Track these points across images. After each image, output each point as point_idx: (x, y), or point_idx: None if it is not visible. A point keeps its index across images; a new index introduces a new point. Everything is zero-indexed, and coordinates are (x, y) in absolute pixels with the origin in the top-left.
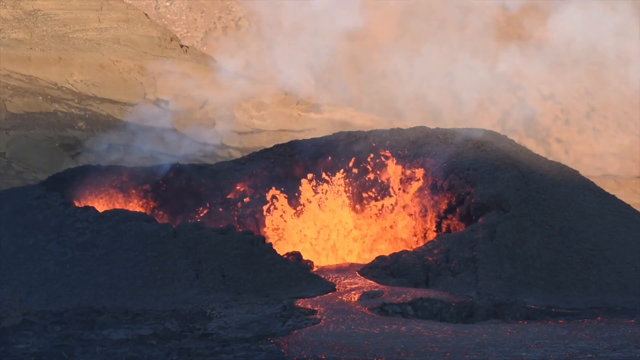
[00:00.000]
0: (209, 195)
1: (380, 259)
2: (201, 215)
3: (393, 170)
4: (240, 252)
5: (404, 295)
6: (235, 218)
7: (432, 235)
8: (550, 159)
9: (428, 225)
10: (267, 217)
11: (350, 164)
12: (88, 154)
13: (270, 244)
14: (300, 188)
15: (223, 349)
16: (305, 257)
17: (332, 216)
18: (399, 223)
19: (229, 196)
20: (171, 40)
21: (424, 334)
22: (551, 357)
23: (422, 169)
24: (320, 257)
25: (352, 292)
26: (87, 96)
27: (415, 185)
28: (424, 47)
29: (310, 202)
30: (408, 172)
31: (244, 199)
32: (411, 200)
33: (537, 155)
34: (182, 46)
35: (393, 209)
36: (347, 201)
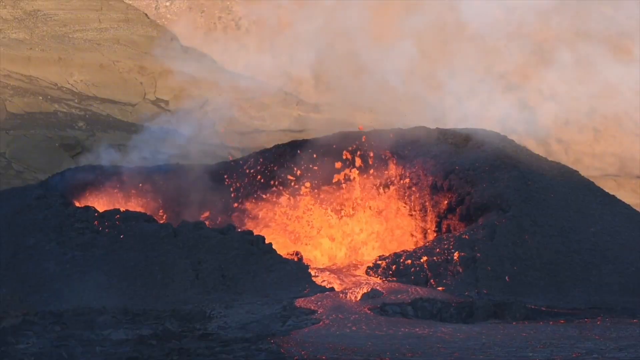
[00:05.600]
0: (209, 195)
1: (381, 259)
2: (201, 215)
3: (393, 170)
4: (240, 252)
5: (404, 295)
6: (236, 218)
7: (432, 235)
8: (550, 159)
9: (428, 225)
10: (267, 217)
11: (350, 164)
12: (88, 154)
13: (270, 244)
14: (300, 188)
15: (223, 349)
16: (305, 257)
17: (332, 216)
18: (399, 223)
19: (228, 196)
20: (171, 40)
21: (428, 334)
22: (557, 358)
23: (422, 169)
24: (320, 257)
25: (352, 292)
26: (87, 96)
27: (415, 186)
28: (424, 46)
29: (310, 201)
30: (408, 172)
31: (244, 199)
32: (411, 200)
33: (537, 155)
34: (182, 46)
35: (393, 208)
36: (347, 201)
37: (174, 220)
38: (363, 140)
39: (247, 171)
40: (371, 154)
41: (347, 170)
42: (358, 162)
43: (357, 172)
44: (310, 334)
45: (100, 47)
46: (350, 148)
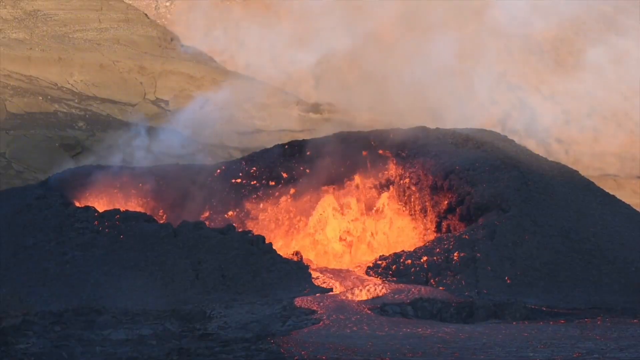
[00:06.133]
0: (209, 195)
1: (381, 258)
2: (201, 215)
3: (393, 170)
4: (240, 252)
5: (404, 295)
6: (236, 218)
7: (432, 235)
8: (550, 159)
9: (428, 225)
10: (267, 217)
11: (350, 164)
12: (88, 154)
13: (270, 244)
14: (300, 188)
15: (223, 349)
16: (305, 257)
17: (332, 216)
18: (398, 223)
19: (228, 196)
20: (171, 40)
21: (428, 334)
22: (558, 358)
23: (422, 169)
24: (319, 257)
25: (352, 292)
26: (87, 96)
27: (415, 186)
28: (425, 46)
29: (310, 201)
30: (408, 172)
31: (244, 199)
32: (411, 200)
33: (537, 155)
34: (182, 46)
35: (393, 208)
36: (347, 201)
37: (174, 221)
38: (363, 140)
39: (247, 171)
40: (371, 154)
41: (347, 170)
42: (358, 162)
43: (357, 172)
44: (310, 334)
45: (100, 47)
46: (350, 148)
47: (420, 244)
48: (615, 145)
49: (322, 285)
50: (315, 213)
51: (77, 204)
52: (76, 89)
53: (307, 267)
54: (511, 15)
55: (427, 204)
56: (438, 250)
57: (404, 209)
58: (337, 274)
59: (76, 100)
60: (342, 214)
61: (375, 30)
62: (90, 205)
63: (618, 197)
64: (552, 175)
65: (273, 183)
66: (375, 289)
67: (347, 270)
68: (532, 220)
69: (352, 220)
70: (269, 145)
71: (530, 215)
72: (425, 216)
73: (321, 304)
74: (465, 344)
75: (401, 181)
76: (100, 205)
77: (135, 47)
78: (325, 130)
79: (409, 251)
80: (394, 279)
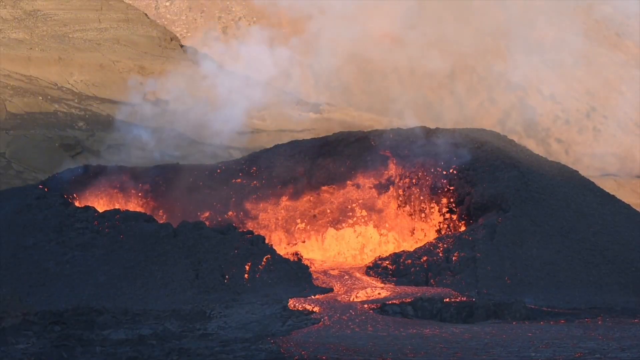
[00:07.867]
0: (209, 195)
1: (381, 259)
2: (201, 215)
3: (393, 170)
4: (240, 252)
5: (404, 295)
6: (235, 218)
7: (432, 236)
8: (550, 159)
9: (428, 225)
10: (267, 217)
11: (350, 164)
12: (88, 154)
13: (271, 244)
14: (300, 188)
15: (223, 349)
16: (305, 257)
17: (332, 216)
18: (399, 223)
19: (228, 196)
20: (171, 40)
21: (429, 334)
22: (560, 358)
23: (422, 169)
24: (319, 257)
25: (352, 292)
26: (87, 96)
27: (415, 186)
28: (424, 46)
29: (310, 201)
30: (408, 172)
31: (244, 199)
32: (411, 200)
33: (537, 155)
34: (182, 46)
35: (393, 208)
36: (348, 201)
37: (174, 221)
38: (363, 140)
39: (247, 171)
40: (371, 154)
41: (347, 171)
42: (358, 162)
43: (357, 172)
44: (310, 334)
45: (100, 47)
46: (350, 148)
47: (420, 244)
48: (615, 145)
49: (322, 286)
50: (315, 212)
51: (77, 204)
52: (76, 89)
53: (307, 267)
54: (509, 13)
55: (427, 204)
56: (438, 250)
57: (404, 209)
58: (337, 274)
59: (76, 100)
60: (342, 213)
61: (375, 29)
62: (90, 205)
63: (618, 197)
64: (552, 175)
65: (273, 183)
66: (375, 289)
67: (347, 271)
68: (532, 220)
69: (351, 220)
70: (269, 145)
71: (530, 215)
72: (425, 216)
73: (321, 304)
74: (467, 344)
75: (401, 181)
76: (100, 205)
77: (135, 47)
78: (325, 130)
79: (409, 251)
80: (394, 279)
